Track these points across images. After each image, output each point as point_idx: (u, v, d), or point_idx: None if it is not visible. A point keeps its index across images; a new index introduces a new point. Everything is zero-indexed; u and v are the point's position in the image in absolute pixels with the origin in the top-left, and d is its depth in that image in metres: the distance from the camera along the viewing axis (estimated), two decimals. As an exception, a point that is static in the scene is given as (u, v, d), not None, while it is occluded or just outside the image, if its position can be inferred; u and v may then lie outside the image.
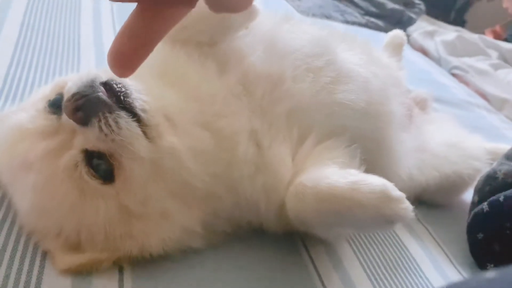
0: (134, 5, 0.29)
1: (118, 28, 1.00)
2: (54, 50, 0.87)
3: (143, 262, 0.49)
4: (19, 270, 0.45)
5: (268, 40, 0.58)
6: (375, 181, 0.48)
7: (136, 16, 0.29)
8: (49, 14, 1.01)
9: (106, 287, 0.47)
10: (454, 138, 0.82)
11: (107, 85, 0.45)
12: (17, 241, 0.48)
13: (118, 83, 0.46)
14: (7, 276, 0.44)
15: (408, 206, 0.47)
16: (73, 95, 0.44)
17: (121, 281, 0.48)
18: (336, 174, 0.50)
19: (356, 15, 1.89)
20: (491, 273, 0.26)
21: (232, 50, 0.57)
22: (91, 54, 0.89)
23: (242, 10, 0.28)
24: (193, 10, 0.28)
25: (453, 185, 0.78)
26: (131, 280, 0.48)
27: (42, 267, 0.46)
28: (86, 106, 0.43)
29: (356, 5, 1.99)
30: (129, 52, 0.29)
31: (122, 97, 0.45)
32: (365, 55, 0.67)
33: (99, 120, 0.44)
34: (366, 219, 0.48)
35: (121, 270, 0.49)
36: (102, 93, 0.44)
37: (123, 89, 0.46)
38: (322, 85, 0.58)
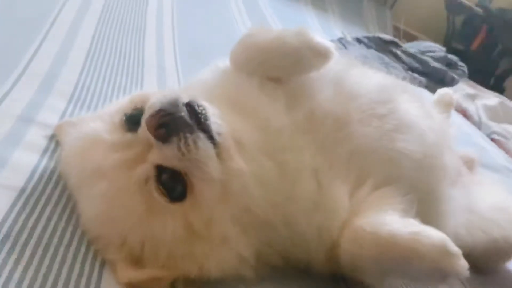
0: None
1: (178, 50, 1.06)
2: (120, 66, 0.91)
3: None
4: (80, 274, 0.46)
5: (337, 82, 0.60)
6: (435, 234, 0.48)
7: None
8: (117, 31, 1.07)
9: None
10: (503, 203, 0.80)
11: (188, 105, 0.47)
12: (80, 243, 0.49)
13: (199, 105, 0.48)
14: (68, 278, 0.45)
15: (464, 263, 0.47)
16: (158, 111, 0.46)
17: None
18: (397, 222, 0.50)
19: (400, 69, 1.91)
20: None
21: (302, 88, 0.58)
22: (153, 74, 0.93)
23: None
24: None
25: (499, 250, 0.75)
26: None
27: (100, 273, 0.47)
28: (170, 124, 0.45)
29: (400, 60, 2.01)
30: None
31: (202, 119, 0.47)
32: (422, 108, 0.68)
33: (179, 140, 0.45)
34: (422, 271, 0.48)
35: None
36: (185, 114, 0.46)
37: (204, 112, 0.48)
38: (385, 132, 0.59)
